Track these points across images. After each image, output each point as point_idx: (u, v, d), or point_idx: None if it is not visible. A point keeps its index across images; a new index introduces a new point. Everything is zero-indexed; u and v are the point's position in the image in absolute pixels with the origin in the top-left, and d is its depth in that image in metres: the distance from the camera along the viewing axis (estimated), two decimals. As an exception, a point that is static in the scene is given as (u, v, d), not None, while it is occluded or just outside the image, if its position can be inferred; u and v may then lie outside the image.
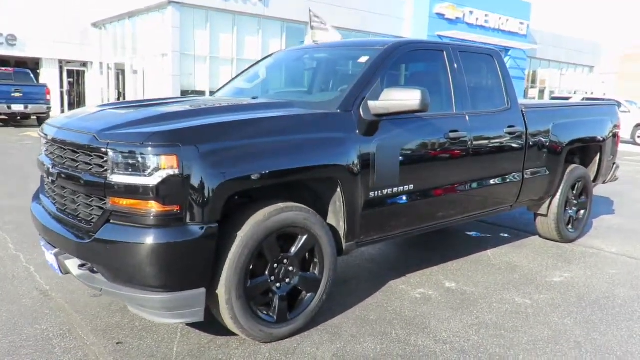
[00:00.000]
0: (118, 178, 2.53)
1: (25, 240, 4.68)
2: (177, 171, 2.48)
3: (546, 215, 5.09)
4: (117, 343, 2.89)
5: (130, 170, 2.51)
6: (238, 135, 2.72)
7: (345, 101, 3.25)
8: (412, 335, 3.10)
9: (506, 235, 5.52)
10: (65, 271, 2.89)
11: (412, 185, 3.53)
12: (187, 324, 3.10)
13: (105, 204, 2.62)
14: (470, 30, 26.37)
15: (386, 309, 3.48)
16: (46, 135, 3.17)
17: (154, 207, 2.49)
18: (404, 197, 3.51)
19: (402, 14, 25.02)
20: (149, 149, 2.47)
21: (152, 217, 2.50)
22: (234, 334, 2.93)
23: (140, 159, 2.49)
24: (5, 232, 4.94)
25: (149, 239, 2.48)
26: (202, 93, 19.37)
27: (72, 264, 2.81)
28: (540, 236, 5.36)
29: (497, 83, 4.38)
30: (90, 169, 2.67)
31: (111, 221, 2.59)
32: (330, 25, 13.48)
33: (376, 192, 3.30)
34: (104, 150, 2.57)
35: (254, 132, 2.80)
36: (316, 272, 3.09)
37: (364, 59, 3.58)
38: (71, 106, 24.73)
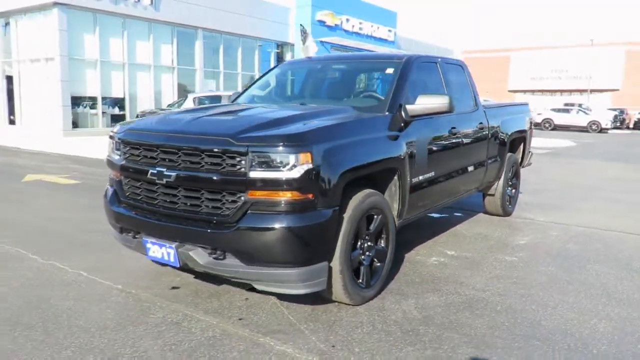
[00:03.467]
0: (259, 174, 3.00)
1: (43, 250, 4.68)
2: (310, 165, 3.02)
3: (494, 195, 6.28)
4: (239, 319, 3.32)
5: (270, 166, 2.99)
6: (341, 135, 3.33)
7: (391, 105, 3.99)
8: (457, 289, 3.94)
9: (459, 214, 6.63)
10: (184, 262, 3.25)
11: (433, 172, 4.38)
12: (280, 299, 3.60)
13: (240, 197, 3.06)
14: (347, 36, 28.23)
15: (421, 273, 4.28)
16: (139, 141, 3.45)
17: (293, 196, 3.01)
18: (429, 182, 4.34)
19: (287, 21, 26.00)
20: (289, 148, 2.99)
21: (291, 205, 3.01)
22: (325, 303, 3.51)
23: (280, 157, 2.99)
24: (11, 246, 4.84)
25: (291, 223, 3.00)
26: (94, 99, 18.45)
27: (199, 254, 3.19)
28: (487, 212, 6.55)
29: (468, 88, 5.41)
30: (223, 169, 3.08)
31: (250, 211, 3.05)
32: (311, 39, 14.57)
33: (416, 178, 4.09)
34: (242, 151, 3.01)
35: (350, 132, 3.43)
36: (383, 245, 3.78)
37: (390, 70, 4.35)
38: None
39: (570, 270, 4.46)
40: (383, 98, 4.13)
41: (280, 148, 3.00)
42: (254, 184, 3.02)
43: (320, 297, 3.48)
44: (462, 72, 5.41)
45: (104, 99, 18.64)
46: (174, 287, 3.85)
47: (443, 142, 4.57)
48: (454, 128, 4.70)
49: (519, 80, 53.23)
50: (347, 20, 28.27)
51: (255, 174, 3.01)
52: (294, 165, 2.99)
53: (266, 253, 3.05)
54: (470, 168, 5.23)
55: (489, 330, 3.23)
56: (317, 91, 4.85)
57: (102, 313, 3.38)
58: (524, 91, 54.97)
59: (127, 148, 3.58)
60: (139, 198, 3.52)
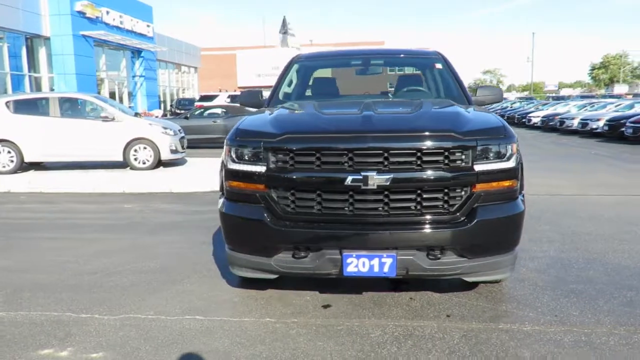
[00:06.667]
0: (484, 166, 3.03)
1: (83, 306, 3.53)
2: (518, 154, 3.20)
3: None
4: (447, 316, 3.27)
5: (493, 158, 3.06)
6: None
7: (466, 97, 4.32)
8: (542, 252, 4.53)
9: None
10: (402, 270, 3.03)
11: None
12: (438, 291, 3.64)
13: (463, 191, 3.04)
14: (109, 30, 25.77)
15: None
16: (317, 146, 3.02)
17: (511, 185, 3.15)
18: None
19: (38, 10, 22.26)
20: (508, 138, 3.11)
21: (512, 193, 3.16)
22: (467, 289, 3.71)
23: (502, 148, 3.08)
24: (33, 311, 3.48)
25: (517, 210, 3.15)
26: None
27: (420, 258, 3.03)
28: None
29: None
30: (446, 165, 2.98)
31: (478, 204, 3.06)
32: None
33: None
34: (470, 145, 2.99)
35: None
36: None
37: (439, 65, 4.64)
38: None
39: (592, 224, 5.58)
40: (426, 91, 4.48)
41: (503, 139, 3.10)
42: (480, 177, 3.03)
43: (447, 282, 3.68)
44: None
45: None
46: (324, 306, 3.47)
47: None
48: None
49: (246, 76, 54.43)
50: (108, 12, 25.76)
51: (481, 166, 3.03)
52: (510, 155, 3.12)
53: (499, 242, 3.13)
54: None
55: (629, 279, 3.90)
56: (373, 86, 4.78)
57: (318, 348, 2.88)
58: (252, 87, 57.82)
59: (289, 156, 3.06)
60: (317, 210, 3.07)
